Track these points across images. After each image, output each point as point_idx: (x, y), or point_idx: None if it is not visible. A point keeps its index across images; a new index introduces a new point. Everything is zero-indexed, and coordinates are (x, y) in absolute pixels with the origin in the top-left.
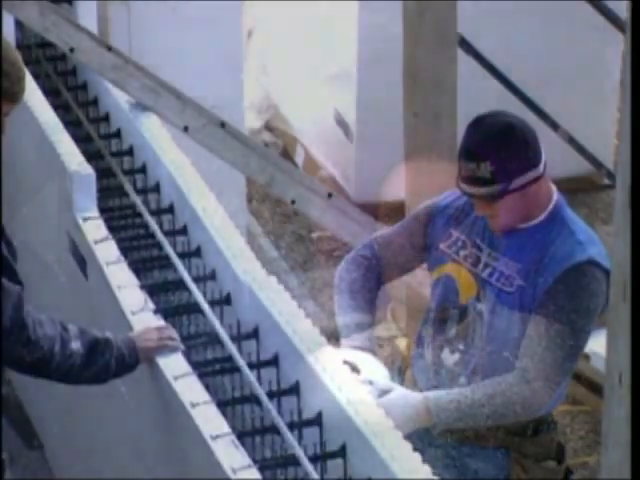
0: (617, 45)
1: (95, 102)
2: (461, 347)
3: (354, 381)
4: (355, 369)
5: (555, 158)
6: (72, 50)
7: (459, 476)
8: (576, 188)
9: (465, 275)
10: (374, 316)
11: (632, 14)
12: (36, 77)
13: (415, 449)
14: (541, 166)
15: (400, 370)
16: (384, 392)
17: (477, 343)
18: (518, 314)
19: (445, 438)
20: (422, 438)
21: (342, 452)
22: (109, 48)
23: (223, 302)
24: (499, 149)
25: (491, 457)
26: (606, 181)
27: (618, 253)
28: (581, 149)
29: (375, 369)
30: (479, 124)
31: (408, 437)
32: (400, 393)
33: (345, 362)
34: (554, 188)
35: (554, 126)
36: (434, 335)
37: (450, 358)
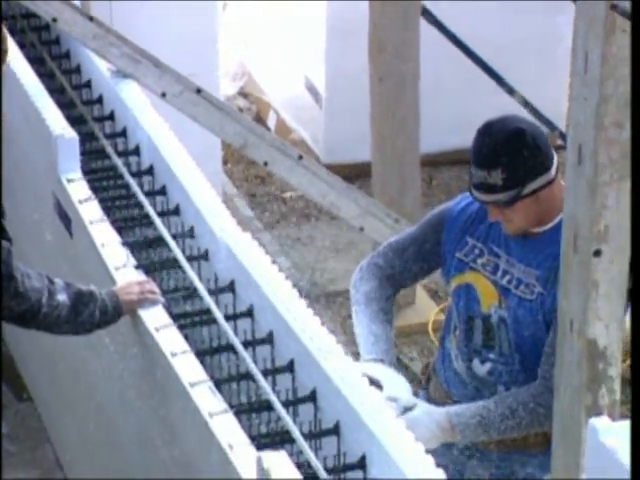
0: (568, 14)
1: (78, 70)
2: (492, 356)
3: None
4: (377, 384)
5: None
6: (55, 20)
7: None
8: None
9: (484, 283)
10: (392, 326)
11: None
12: (21, 46)
13: (461, 459)
14: (553, 169)
15: (426, 381)
16: (407, 409)
17: (506, 351)
18: (542, 321)
19: (494, 447)
20: (468, 448)
21: (312, 397)
22: (90, 18)
23: (201, 258)
24: (509, 156)
25: (539, 462)
26: (559, 142)
27: (569, 207)
28: (536, 112)
29: (397, 384)
30: (488, 131)
31: (451, 448)
32: (424, 410)
33: (366, 376)
34: None
35: (510, 91)
36: (460, 346)
37: (481, 368)
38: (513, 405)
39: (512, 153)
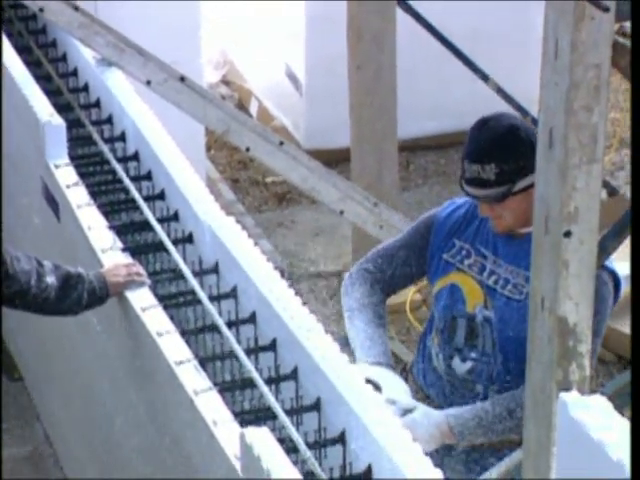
0: (540, 3)
1: (64, 58)
2: (473, 355)
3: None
4: (377, 387)
5: (486, 107)
6: (41, 10)
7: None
8: None
9: (470, 283)
10: (386, 329)
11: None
12: (9, 35)
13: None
14: None
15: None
16: (407, 411)
17: (489, 351)
18: None
19: (470, 447)
20: (444, 447)
21: (294, 374)
22: (76, 8)
23: (185, 241)
24: (503, 151)
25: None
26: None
27: (540, 190)
28: (509, 98)
29: (396, 386)
30: (483, 126)
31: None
32: (423, 412)
33: (367, 380)
34: None
35: (484, 78)
36: (441, 344)
37: (462, 367)
38: (511, 406)
39: (506, 149)
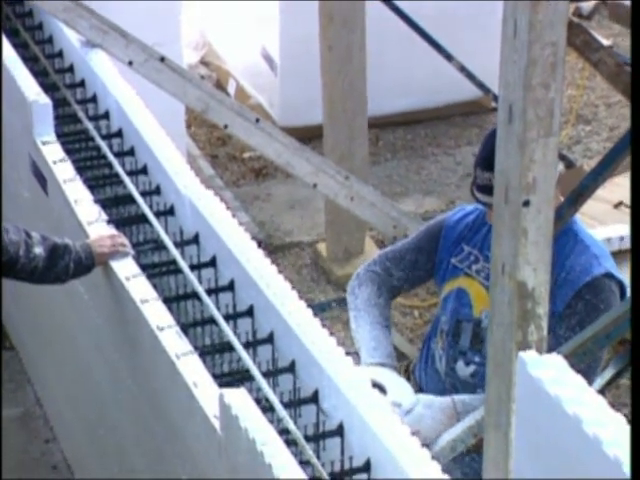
0: None
1: (50, 40)
2: (477, 359)
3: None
4: (381, 389)
5: (450, 85)
6: None
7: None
8: (468, 111)
9: (478, 288)
10: (390, 331)
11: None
12: None
13: None
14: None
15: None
16: (410, 411)
17: None
18: None
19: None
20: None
21: (270, 339)
22: None
23: (167, 213)
24: None
25: None
26: (493, 104)
27: (500, 162)
28: (471, 77)
29: (400, 388)
30: (496, 134)
31: None
32: (424, 404)
33: (373, 382)
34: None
35: (448, 57)
36: (445, 347)
37: (465, 370)
38: None
39: None
